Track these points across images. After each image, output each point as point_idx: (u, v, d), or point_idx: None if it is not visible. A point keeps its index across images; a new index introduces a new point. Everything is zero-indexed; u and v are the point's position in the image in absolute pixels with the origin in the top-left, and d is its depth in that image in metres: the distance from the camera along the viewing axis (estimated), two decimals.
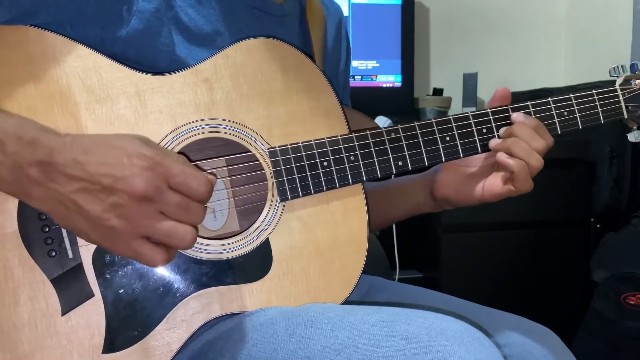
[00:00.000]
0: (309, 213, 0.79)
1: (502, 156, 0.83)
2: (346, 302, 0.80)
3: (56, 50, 0.69)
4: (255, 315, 0.76)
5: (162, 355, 0.73)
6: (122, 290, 0.72)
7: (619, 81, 0.93)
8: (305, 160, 0.78)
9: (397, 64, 2.21)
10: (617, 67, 0.94)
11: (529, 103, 0.87)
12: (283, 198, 0.78)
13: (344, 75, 1.05)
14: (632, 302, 1.59)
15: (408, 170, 0.83)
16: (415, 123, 0.83)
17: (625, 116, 0.92)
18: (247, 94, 0.77)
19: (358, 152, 0.80)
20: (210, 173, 0.73)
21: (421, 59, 2.38)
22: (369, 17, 2.18)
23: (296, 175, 0.78)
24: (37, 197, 0.63)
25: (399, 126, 0.83)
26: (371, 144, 0.81)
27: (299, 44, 0.90)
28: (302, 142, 0.78)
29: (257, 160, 0.77)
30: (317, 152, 0.79)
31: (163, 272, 0.73)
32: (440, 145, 0.84)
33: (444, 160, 0.84)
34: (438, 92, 2.26)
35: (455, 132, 0.84)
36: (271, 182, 0.78)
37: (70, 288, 0.70)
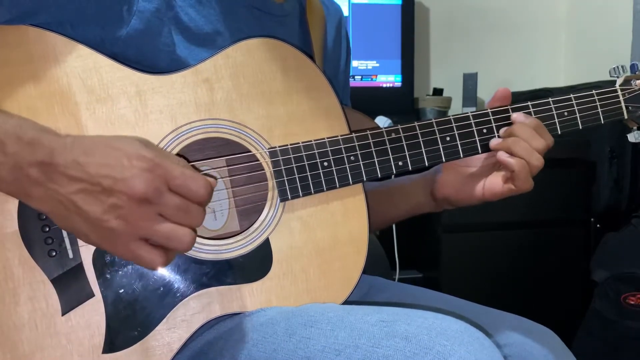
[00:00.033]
0: (309, 213, 0.79)
1: (502, 155, 0.83)
2: (346, 302, 0.80)
3: (56, 50, 0.69)
4: (255, 315, 0.76)
5: (162, 355, 0.73)
6: (122, 290, 0.72)
7: (619, 81, 0.93)
8: (305, 160, 0.78)
9: (397, 64, 2.21)
10: (617, 67, 0.94)
11: (529, 103, 0.87)
12: (283, 198, 0.78)
13: (344, 75, 1.05)
14: (632, 302, 1.59)
15: (408, 171, 0.83)
16: (416, 123, 0.83)
17: (626, 116, 0.92)
18: (247, 94, 0.77)
19: (358, 152, 0.80)
20: (211, 176, 0.73)
21: (421, 59, 2.38)
22: (369, 17, 2.18)
23: (296, 175, 0.78)
24: (36, 197, 0.63)
25: (399, 126, 0.83)
26: (371, 144, 0.81)
27: (299, 44, 0.90)
28: (303, 142, 0.78)
29: (258, 160, 0.77)
30: (318, 152, 0.79)
31: (163, 272, 0.73)
32: (440, 146, 0.84)
33: (444, 160, 0.84)
34: (438, 92, 2.26)
35: (456, 132, 0.84)
36: (271, 182, 0.78)
37: (70, 288, 0.70)
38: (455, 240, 1.86)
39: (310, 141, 0.79)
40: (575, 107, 0.88)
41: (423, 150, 0.83)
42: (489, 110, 0.86)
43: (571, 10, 2.52)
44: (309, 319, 0.71)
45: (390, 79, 2.21)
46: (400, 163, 0.82)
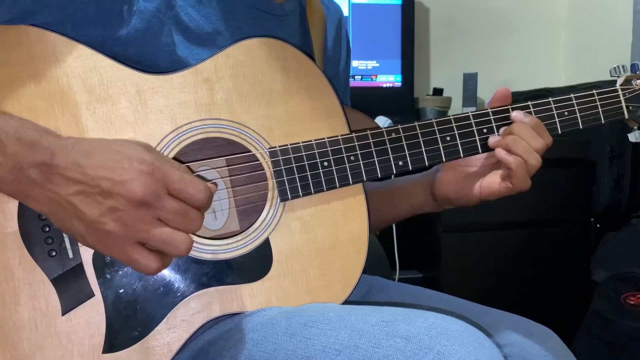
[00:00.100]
0: (309, 213, 0.79)
1: (501, 152, 0.83)
2: (346, 302, 0.80)
3: (57, 50, 0.69)
4: (255, 315, 0.76)
5: (162, 355, 0.73)
6: (122, 290, 0.72)
7: (619, 81, 0.93)
8: (305, 160, 0.78)
9: (397, 64, 2.21)
10: (618, 67, 0.94)
11: (529, 103, 0.87)
12: (283, 198, 0.78)
13: (344, 75, 1.05)
14: (632, 302, 1.59)
15: (408, 171, 0.83)
16: (416, 123, 0.83)
17: (626, 116, 0.92)
18: (247, 93, 0.77)
19: (358, 152, 0.80)
20: (211, 181, 0.73)
21: (421, 59, 2.38)
22: (369, 17, 2.18)
23: (296, 175, 0.78)
24: (35, 198, 0.63)
25: (400, 126, 0.83)
26: (371, 143, 0.81)
27: (299, 43, 0.90)
28: (303, 142, 0.78)
29: (258, 160, 0.77)
30: (318, 152, 0.79)
31: (163, 272, 0.73)
32: (440, 145, 0.84)
33: (444, 160, 0.84)
34: (438, 92, 2.25)
35: (456, 132, 0.84)
36: (271, 182, 0.78)
37: (70, 288, 0.70)
38: (455, 240, 1.86)
39: (311, 141, 0.79)
40: (576, 107, 0.88)
41: (423, 150, 0.83)
42: (489, 110, 0.86)
43: (571, 10, 2.52)
44: (309, 319, 0.71)
45: (390, 79, 2.21)
46: (400, 163, 0.82)
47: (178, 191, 0.63)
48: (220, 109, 0.75)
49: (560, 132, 0.88)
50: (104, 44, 0.72)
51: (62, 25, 0.70)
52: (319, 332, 0.69)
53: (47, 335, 0.69)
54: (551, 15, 2.54)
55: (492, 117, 0.85)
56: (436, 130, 0.84)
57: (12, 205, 0.68)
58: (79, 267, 0.70)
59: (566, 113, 0.88)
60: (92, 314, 0.71)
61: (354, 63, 2.15)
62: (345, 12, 1.97)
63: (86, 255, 0.71)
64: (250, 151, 0.77)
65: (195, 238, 0.74)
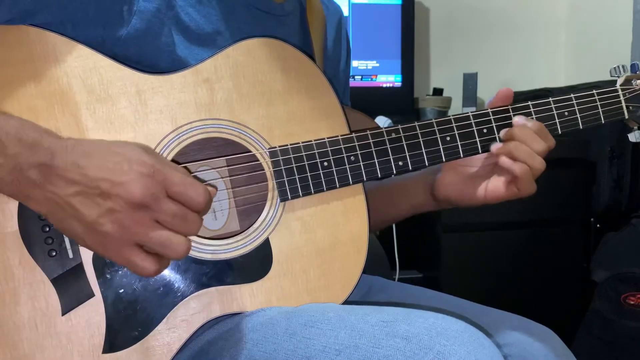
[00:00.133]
0: (309, 213, 0.79)
1: (505, 161, 0.82)
2: (346, 302, 0.80)
3: (57, 50, 0.69)
4: (255, 315, 0.76)
5: (162, 355, 0.73)
6: (122, 290, 0.72)
7: (619, 81, 0.93)
8: (305, 160, 0.78)
9: (397, 64, 2.21)
10: (618, 67, 0.94)
11: (529, 103, 0.87)
12: (283, 198, 0.78)
13: (344, 75, 1.05)
14: (632, 302, 1.59)
15: (408, 171, 0.83)
16: (416, 123, 0.83)
17: (626, 116, 0.91)
18: (247, 94, 0.77)
19: (358, 152, 0.80)
20: (210, 185, 0.73)
21: (421, 59, 2.38)
22: (369, 17, 2.18)
23: (296, 176, 0.78)
24: (35, 199, 0.63)
25: (400, 126, 0.83)
26: (371, 144, 0.81)
27: (299, 43, 0.90)
28: (303, 142, 0.78)
29: (258, 160, 0.77)
30: (318, 152, 0.79)
31: (163, 272, 0.73)
32: (440, 146, 0.84)
33: (444, 160, 0.84)
34: (438, 92, 2.25)
35: (456, 132, 0.84)
36: (271, 182, 0.78)
37: (70, 288, 0.70)
38: (455, 240, 1.86)
39: (311, 141, 0.79)
40: (576, 107, 0.88)
41: (423, 150, 0.83)
42: (489, 110, 0.86)
43: (571, 10, 2.52)
44: (309, 319, 0.71)
45: (390, 79, 2.21)
46: (400, 163, 0.82)
47: (177, 194, 0.63)
48: (220, 109, 0.75)
49: (560, 132, 0.87)
50: (104, 44, 0.72)
51: (62, 25, 0.70)
52: (319, 332, 0.69)
53: (47, 335, 0.69)
54: (551, 15, 2.54)
55: (492, 117, 0.85)
56: (436, 131, 0.84)
57: (12, 205, 0.68)
58: (79, 267, 0.70)
59: (566, 113, 0.88)
60: (92, 314, 0.71)
61: (354, 63, 2.15)
62: (345, 12, 1.97)
63: (86, 255, 0.71)
64: (250, 151, 0.77)
65: (195, 238, 0.74)
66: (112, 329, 0.71)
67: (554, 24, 2.55)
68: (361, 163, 0.80)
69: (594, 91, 0.89)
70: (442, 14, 2.45)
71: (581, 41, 2.48)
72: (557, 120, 0.87)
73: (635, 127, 0.94)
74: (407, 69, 2.21)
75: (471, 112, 0.85)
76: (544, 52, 2.54)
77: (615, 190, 1.97)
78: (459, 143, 0.84)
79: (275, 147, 0.77)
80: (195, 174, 0.76)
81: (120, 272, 0.72)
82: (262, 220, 0.78)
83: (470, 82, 2.22)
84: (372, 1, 2.18)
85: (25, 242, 0.69)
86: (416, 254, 2.01)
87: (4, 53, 0.68)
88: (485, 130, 0.85)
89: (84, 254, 0.71)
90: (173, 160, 0.73)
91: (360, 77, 2.18)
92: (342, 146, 0.80)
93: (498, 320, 0.84)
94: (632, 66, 0.94)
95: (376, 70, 2.20)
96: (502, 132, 0.85)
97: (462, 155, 0.85)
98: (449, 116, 0.84)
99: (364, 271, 0.82)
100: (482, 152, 0.86)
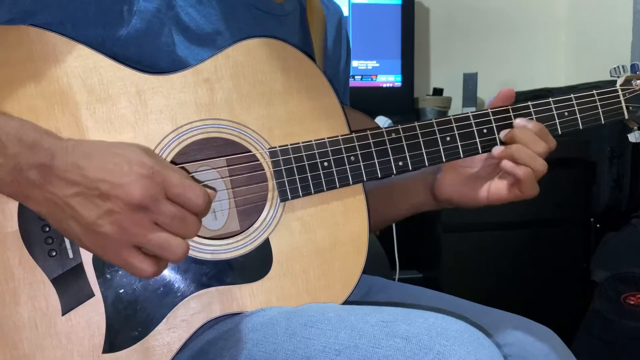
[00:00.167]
0: (309, 213, 0.79)
1: (507, 164, 0.82)
2: (346, 302, 0.80)
3: (57, 50, 0.69)
4: (255, 315, 0.76)
5: (162, 355, 0.73)
6: (123, 290, 0.72)
7: (619, 81, 0.93)
8: (305, 160, 0.78)
9: (397, 64, 2.21)
10: (618, 67, 0.94)
11: (529, 103, 0.87)
12: (283, 198, 0.78)
13: (344, 75, 1.05)
14: (632, 302, 1.59)
15: (409, 171, 0.83)
16: (416, 123, 0.83)
17: (626, 116, 0.91)
18: (247, 94, 0.77)
19: (358, 152, 0.80)
20: (210, 187, 0.73)
21: (421, 59, 2.38)
22: (369, 17, 2.18)
23: (296, 176, 0.78)
24: (34, 199, 0.63)
25: (400, 126, 0.83)
26: (372, 144, 0.81)
27: (299, 43, 0.90)
28: (303, 142, 0.78)
29: (258, 160, 0.77)
30: (318, 152, 0.79)
31: (163, 272, 0.73)
32: (440, 146, 0.84)
33: (444, 160, 0.84)
34: (438, 92, 2.25)
35: (456, 132, 0.84)
36: (271, 182, 0.78)
37: (70, 288, 0.70)
38: (455, 240, 1.86)
39: (311, 141, 0.79)
40: (576, 107, 0.88)
41: (423, 150, 0.83)
42: (489, 111, 0.86)
43: (571, 10, 2.52)
44: (309, 319, 0.71)
45: (390, 79, 2.21)
46: (400, 163, 0.82)
47: (177, 196, 0.63)
48: (220, 109, 0.75)
49: (560, 133, 0.87)
50: (104, 44, 0.72)
51: (62, 25, 0.70)
52: (319, 332, 0.69)
53: (47, 335, 0.69)
54: (551, 15, 2.54)
55: (492, 118, 0.85)
56: (436, 131, 0.84)
57: (12, 205, 0.68)
58: (79, 267, 0.70)
59: (566, 113, 0.88)
60: (92, 314, 0.71)
61: (354, 63, 2.15)
62: (345, 12, 1.97)
63: (86, 255, 0.71)
64: (250, 151, 0.77)
65: (195, 238, 0.74)
66: (112, 329, 0.71)
67: (554, 24, 2.55)
68: (361, 163, 0.80)
69: (594, 91, 0.89)
70: (442, 14, 2.45)
71: (581, 41, 2.48)
72: (557, 121, 0.87)
73: (635, 128, 0.94)
74: (407, 69, 2.21)
75: (471, 112, 0.85)
76: (544, 52, 2.54)
77: (615, 190, 1.97)
78: (459, 143, 0.84)
79: (275, 147, 0.77)
80: (195, 173, 0.76)
81: (120, 272, 0.72)
82: (262, 220, 0.78)
83: (470, 82, 2.22)
84: (372, 1, 2.18)
85: (25, 242, 0.69)
86: (416, 254, 2.01)
87: (4, 53, 0.68)
88: (485, 131, 0.85)
89: (84, 254, 0.71)
90: (172, 162, 0.73)
91: (360, 77, 2.18)
92: (342, 146, 0.80)
93: (498, 320, 0.84)
94: (632, 66, 0.94)
95: (376, 70, 2.20)
96: (503, 134, 0.85)
97: (462, 156, 0.85)
98: (449, 116, 0.84)
99: (364, 271, 0.82)
100: (482, 152, 0.86)
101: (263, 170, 0.78)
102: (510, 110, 0.86)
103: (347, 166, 0.80)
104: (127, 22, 0.73)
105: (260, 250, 0.77)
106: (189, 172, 0.75)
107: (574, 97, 0.88)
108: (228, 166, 0.77)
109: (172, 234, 0.63)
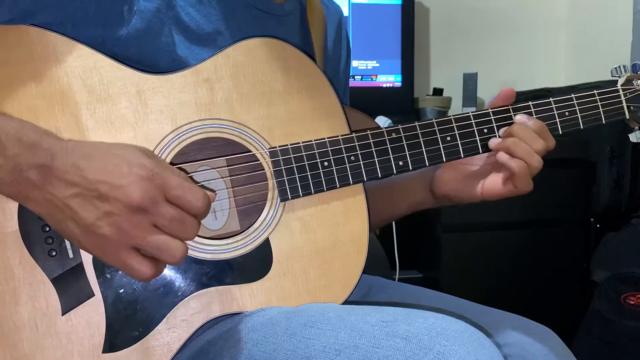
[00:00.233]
0: (309, 213, 0.79)
1: (502, 156, 0.83)
2: (346, 302, 0.80)
3: (57, 50, 0.69)
4: (255, 315, 0.76)
5: (162, 355, 0.73)
6: (122, 290, 0.72)
7: (620, 81, 0.93)
8: (305, 160, 0.78)
9: (397, 64, 2.21)
10: (619, 67, 0.94)
11: (530, 103, 0.87)
12: (283, 198, 0.78)
13: (344, 75, 1.05)
14: (632, 302, 1.59)
15: (409, 170, 0.83)
16: (416, 123, 0.83)
17: (627, 116, 0.91)
18: (247, 94, 0.77)
19: (359, 152, 0.80)
20: (210, 189, 0.72)
21: (421, 59, 2.38)
22: (369, 17, 2.18)
23: (296, 175, 0.78)
24: (34, 200, 0.63)
25: (400, 126, 0.83)
26: (372, 144, 0.81)
27: (299, 43, 0.90)
28: (303, 142, 0.78)
29: (258, 160, 0.77)
30: (318, 152, 0.79)
31: (163, 272, 0.73)
32: (441, 146, 0.84)
33: (444, 160, 0.84)
34: (438, 92, 2.25)
35: (456, 132, 0.84)
36: (272, 182, 0.78)
37: (70, 288, 0.70)
38: (455, 240, 1.86)
39: (311, 141, 0.79)
40: (577, 107, 0.88)
41: (424, 150, 0.83)
42: (489, 110, 0.86)
43: (571, 10, 2.52)
44: (309, 319, 0.71)
45: (390, 79, 2.21)
46: (400, 163, 0.82)
47: (176, 198, 0.63)
48: (220, 109, 0.75)
49: (561, 132, 0.87)
50: (104, 44, 0.72)
51: (62, 25, 0.70)
52: (319, 332, 0.69)
53: (47, 335, 0.69)
54: (551, 15, 2.54)
55: (492, 117, 0.85)
56: (436, 131, 0.84)
57: (12, 205, 0.68)
58: (79, 267, 0.70)
59: (567, 113, 0.88)
60: (92, 313, 0.71)
61: (354, 63, 2.15)
62: (345, 12, 1.97)
63: (86, 255, 0.71)
64: (250, 151, 0.77)
65: (195, 238, 0.74)
66: (112, 329, 0.71)
67: (554, 24, 2.55)
68: (361, 163, 0.80)
69: (595, 91, 0.89)
70: (442, 14, 2.45)
71: (581, 41, 2.48)
72: (557, 120, 0.87)
73: (636, 127, 0.94)
74: (407, 69, 2.21)
75: (471, 112, 0.85)
76: (544, 52, 2.54)
77: (615, 190, 1.97)
78: (459, 143, 0.84)
79: (275, 147, 0.77)
80: (195, 173, 0.76)
81: (120, 272, 0.72)
82: (262, 220, 0.78)
83: (470, 82, 2.22)
84: (372, 1, 2.18)
85: (26, 242, 0.69)
86: (416, 254, 2.01)
87: (4, 53, 0.68)
88: (485, 130, 0.85)
89: (84, 254, 0.71)
90: (172, 162, 0.73)
91: (360, 77, 2.18)
92: (342, 146, 0.80)
93: (498, 320, 0.84)
94: (633, 66, 0.94)
95: (376, 70, 2.20)
96: (502, 130, 0.85)
97: (462, 155, 0.85)
98: (449, 116, 0.84)
99: (364, 271, 0.82)
100: (483, 151, 0.86)
101: (263, 170, 0.78)
102: (510, 110, 0.86)
103: (347, 166, 0.80)
104: (127, 22, 0.72)
105: (260, 250, 0.77)
106: (187, 173, 0.75)
107: (575, 97, 0.88)
108: (228, 166, 0.77)
109: (170, 236, 0.63)
